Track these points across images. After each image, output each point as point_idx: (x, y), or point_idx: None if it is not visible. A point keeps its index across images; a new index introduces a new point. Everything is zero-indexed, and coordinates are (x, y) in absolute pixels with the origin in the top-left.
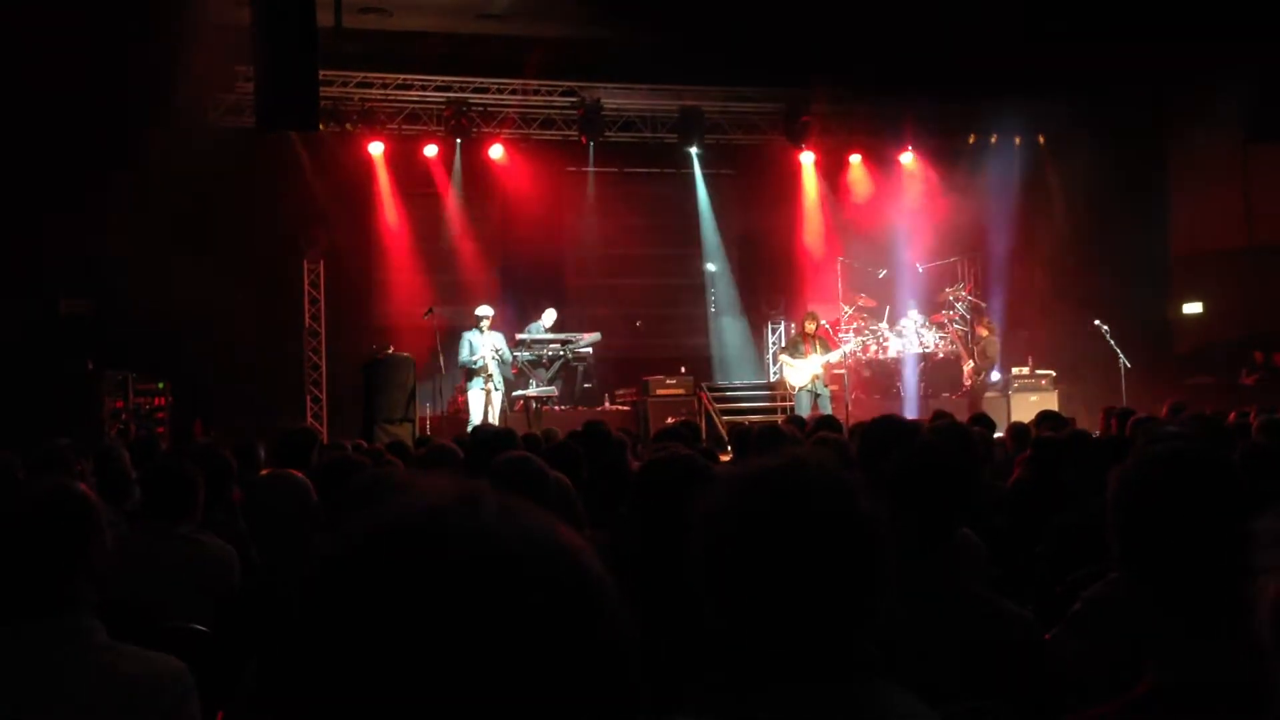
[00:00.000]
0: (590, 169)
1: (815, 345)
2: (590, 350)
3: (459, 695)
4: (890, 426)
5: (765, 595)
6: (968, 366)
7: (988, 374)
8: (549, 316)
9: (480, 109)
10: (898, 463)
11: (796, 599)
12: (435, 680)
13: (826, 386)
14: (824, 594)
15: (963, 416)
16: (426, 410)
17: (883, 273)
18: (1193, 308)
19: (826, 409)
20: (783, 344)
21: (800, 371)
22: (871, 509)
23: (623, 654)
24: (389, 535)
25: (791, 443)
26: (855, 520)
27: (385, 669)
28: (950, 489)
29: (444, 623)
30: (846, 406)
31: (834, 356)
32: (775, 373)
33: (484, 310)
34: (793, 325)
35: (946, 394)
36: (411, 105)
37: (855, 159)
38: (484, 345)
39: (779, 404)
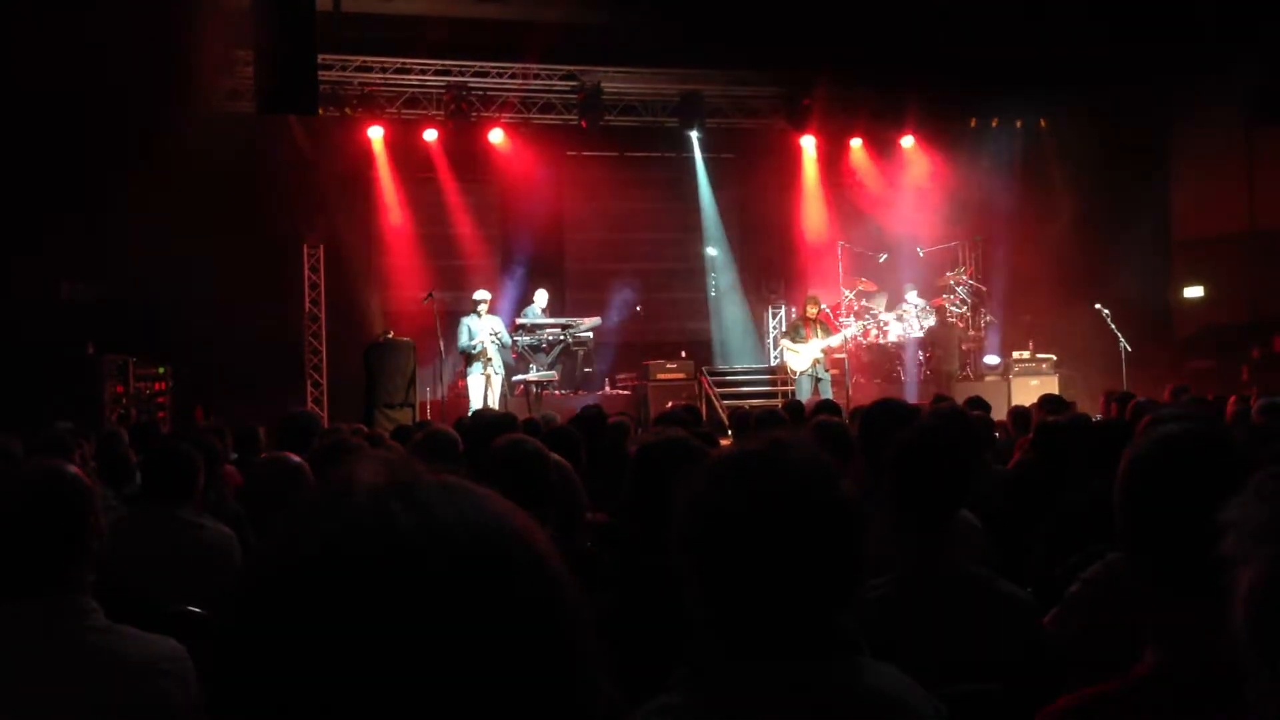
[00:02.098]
0: (589, 152)
1: (816, 329)
2: (590, 335)
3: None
4: (890, 410)
5: (744, 576)
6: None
7: (947, 361)
8: (541, 297)
9: (480, 93)
10: (897, 446)
11: (775, 580)
12: (371, 688)
13: (827, 371)
14: (802, 574)
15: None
16: (427, 395)
17: (884, 257)
18: (1194, 291)
19: (827, 393)
20: (784, 328)
21: (801, 356)
22: (850, 491)
23: (575, 650)
24: (314, 550)
25: (791, 427)
26: (833, 502)
27: (321, 680)
28: (949, 471)
29: (385, 634)
30: (847, 390)
31: (835, 341)
32: (776, 357)
33: (481, 294)
34: (793, 309)
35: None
36: (411, 89)
37: (856, 143)
38: (482, 329)
39: (780, 388)
